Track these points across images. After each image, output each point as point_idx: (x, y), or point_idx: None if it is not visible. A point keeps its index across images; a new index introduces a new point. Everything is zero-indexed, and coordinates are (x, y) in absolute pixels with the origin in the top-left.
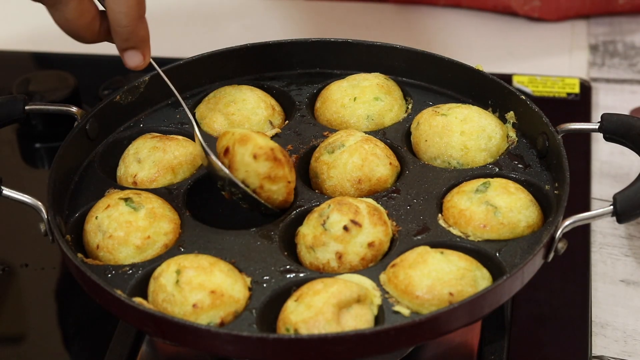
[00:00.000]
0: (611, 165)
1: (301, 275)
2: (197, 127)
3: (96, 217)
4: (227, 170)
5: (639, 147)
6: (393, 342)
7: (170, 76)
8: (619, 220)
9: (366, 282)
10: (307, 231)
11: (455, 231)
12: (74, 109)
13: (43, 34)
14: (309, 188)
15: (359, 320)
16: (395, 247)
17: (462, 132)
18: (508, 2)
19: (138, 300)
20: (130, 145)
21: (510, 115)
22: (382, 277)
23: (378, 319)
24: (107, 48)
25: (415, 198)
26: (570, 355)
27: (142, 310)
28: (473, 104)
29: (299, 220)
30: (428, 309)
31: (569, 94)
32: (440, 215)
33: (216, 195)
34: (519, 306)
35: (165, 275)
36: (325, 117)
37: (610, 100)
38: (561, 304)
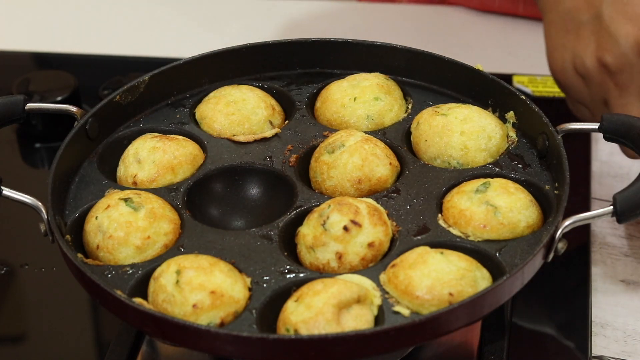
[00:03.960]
0: (611, 165)
1: (301, 275)
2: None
3: (96, 218)
4: None
5: (639, 147)
6: (393, 342)
7: (171, 76)
8: (619, 220)
9: (366, 283)
10: (307, 231)
11: (455, 231)
12: (74, 109)
13: (43, 34)
14: (309, 188)
15: (359, 320)
16: (395, 247)
17: (462, 132)
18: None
19: (138, 300)
20: (130, 145)
21: (510, 115)
22: (382, 277)
23: (378, 319)
24: (107, 48)
25: (415, 198)
26: (570, 355)
27: (142, 311)
28: (473, 104)
29: (299, 220)
30: (428, 309)
31: None
32: (440, 215)
33: (216, 195)
34: (519, 306)
35: (165, 275)
36: (325, 117)
37: None
38: (561, 304)
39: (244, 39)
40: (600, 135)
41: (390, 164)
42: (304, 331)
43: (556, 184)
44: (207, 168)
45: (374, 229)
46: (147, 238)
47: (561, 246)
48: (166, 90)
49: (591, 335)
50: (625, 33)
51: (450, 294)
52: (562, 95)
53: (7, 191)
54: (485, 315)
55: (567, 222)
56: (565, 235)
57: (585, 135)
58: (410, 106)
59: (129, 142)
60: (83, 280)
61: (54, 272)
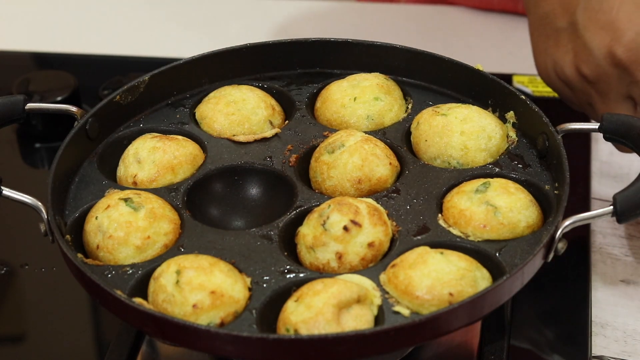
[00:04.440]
0: (611, 165)
1: (301, 275)
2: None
3: (96, 218)
4: None
5: (639, 147)
6: (393, 342)
7: (171, 76)
8: (619, 220)
9: (366, 283)
10: (307, 231)
11: (455, 231)
12: (74, 109)
13: (43, 34)
14: (309, 188)
15: (359, 320)
16: (395, 247)
17: (462, 132)
18: None
19: (138, 300)
20: (130, 145)
21: (510, 115)
22: (382, 277)
23: (378, 319)
24: (107, 48)
25: (415, 198)
26: (570, 355)
27: (142, 311)
28: (473, 104)
29: (299, 220)
30: (428, 309)
31: None
32: (440, 215)
33: (216, 195)
34: (519, 306)
35: (165, 275)
36: (325, 117)
37: None
38: (561, 304)
39: (243, 39)
40: (600, 135)
41: (390, 164)
42: (304, 331)
43: (556, 184)
44: (207, 168)
45: (374, 229)
46: (147, 238)
47: (561, 246)
48: (166, 90)
49: (591, 335)
50: (598, 43)
51: (450, 294)
52: None
53: (7, 191)
54: (485, 315)
55: (567, 222)
56: (565, 235)
57: (585, 135)
58: (410, 106)
59: (129, 142)
60: (83, 280)
61: (54, 272)
